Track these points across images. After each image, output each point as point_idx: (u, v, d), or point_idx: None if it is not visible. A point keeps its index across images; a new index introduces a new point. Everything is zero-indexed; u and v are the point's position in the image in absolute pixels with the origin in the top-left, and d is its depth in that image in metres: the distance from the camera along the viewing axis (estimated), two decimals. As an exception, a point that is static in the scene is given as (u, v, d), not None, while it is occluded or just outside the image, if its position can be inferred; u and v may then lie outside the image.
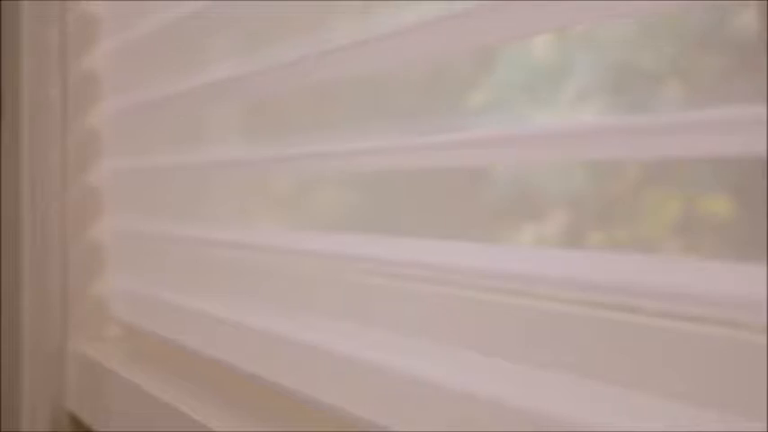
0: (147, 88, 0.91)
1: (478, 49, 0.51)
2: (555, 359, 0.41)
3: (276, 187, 0.78)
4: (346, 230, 0.65)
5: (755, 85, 0.37)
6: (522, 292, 0.45)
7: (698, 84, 0.42)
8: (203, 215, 0.89)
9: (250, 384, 0.78)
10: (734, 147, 0.33)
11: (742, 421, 0.32)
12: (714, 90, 0.40)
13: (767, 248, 0.36)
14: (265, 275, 0.72)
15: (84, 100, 1.00)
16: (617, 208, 0.48)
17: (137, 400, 0.84)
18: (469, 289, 0.47)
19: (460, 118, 0.52)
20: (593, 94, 0.48)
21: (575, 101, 0.49)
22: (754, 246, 0.37)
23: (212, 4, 0.69)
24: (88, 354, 0.97)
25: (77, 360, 0.99)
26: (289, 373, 0.64)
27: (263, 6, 0.65)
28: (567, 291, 0.38)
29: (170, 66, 0.86)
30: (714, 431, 0.33)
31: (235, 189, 0.83)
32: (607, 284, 0.36)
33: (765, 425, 0.31)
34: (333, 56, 0.55)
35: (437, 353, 0.48)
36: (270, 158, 0.68)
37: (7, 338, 1.08)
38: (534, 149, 0.41)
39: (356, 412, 0.52)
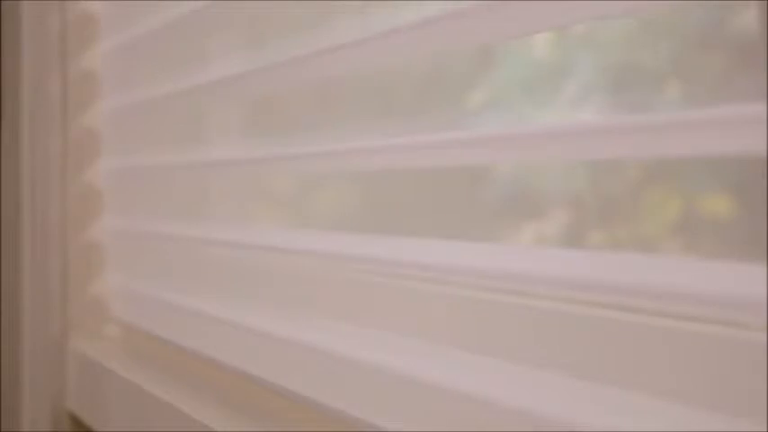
0: (147, 87, 0.91)
1: (478, 48, 0.51)
2: (554, 359, 0.41)
3: (276, 187, 0.78)
4: (346, 230, 0.65)
5: (755, 84, 0.37)
6: (522, 292, 0.45)
7: (698, 84, 0.42)
8: (203, 215, 0.89)
9: (250, 384, 0.78)
10: (734, 147, 0.33)
11: (742, 421, 0.32)
12: (714, 90, 0.40)
13: (767, 248, 0.36)
14: (265, 275, 0.72)
15: (84, 99, 1.00)
16: (617, 208, 0.48)
17: (137, 400, 0.84)
18: (469, 289, 0.47)
19: (461, 117, 0.52)
20: (593, 94, 0.48)
21: (575, 101, 0.49)
22: (754, 246, 0.37)
23: (212, 4, 0.68)
24: (88, 353, 0.97)
25: (77, 360, 0.99)
26: (288, 373, 0.64)
27: (262, 6, 0.65)
28: (567, 291, 0.38)
29: (170, 65, 0.86)
30: (714, 431, 0.33)
31: (235, 189, 0.83)
32: (607, 284, 0.36)
33: (765, 425, 0.31)
34: (332, 55, 0.55)
35: (437, 353, 0.48)
36: (270, 158, 0.68)
37: (7, 338, 1.07)
38: (534, 149, 0.41)
39: (356, 413, 0.52)
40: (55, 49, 1.00)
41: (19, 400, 1.00)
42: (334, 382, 0.57)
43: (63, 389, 1.00)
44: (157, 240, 0.92)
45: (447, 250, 0.47)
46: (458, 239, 0.51)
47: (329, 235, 0.63)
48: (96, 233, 1.04)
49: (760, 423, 0.31)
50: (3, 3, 1.01)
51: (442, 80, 0.54)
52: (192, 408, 0.73)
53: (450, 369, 0.46)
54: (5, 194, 1.09)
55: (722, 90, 0.39)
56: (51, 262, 1.02)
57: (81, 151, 1.02)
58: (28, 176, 1.03)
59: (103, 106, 1.01)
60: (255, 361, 0.71)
